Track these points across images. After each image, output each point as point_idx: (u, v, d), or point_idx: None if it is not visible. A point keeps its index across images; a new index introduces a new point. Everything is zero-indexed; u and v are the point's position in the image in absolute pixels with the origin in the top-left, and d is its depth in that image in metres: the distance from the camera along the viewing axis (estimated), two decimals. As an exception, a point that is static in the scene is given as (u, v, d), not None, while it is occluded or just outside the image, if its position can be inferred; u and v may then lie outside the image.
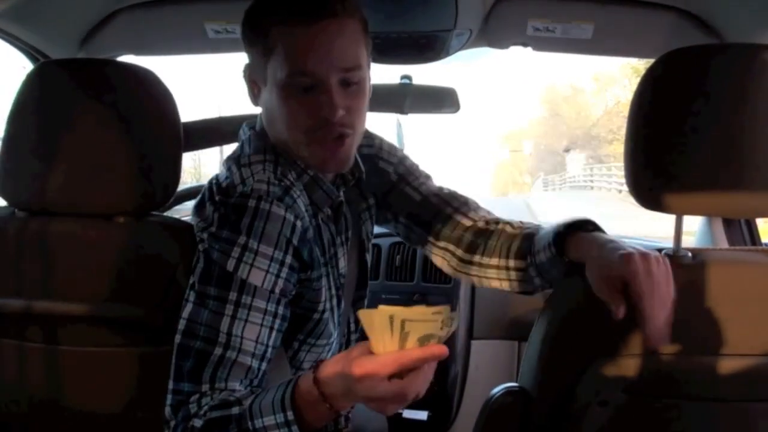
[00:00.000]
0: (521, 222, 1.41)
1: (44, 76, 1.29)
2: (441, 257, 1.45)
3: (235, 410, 1.02)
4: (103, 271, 1.25)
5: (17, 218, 1.30)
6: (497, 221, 1.43)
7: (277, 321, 1.15)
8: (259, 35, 1.19)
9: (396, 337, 0.87)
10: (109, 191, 1.25)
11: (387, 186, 1.48)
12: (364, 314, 0.88)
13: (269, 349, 1.14)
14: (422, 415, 2.15)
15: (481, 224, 1.42)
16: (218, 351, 1.09)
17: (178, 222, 1.32)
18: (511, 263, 1.34)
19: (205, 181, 1.31)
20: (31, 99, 1.28)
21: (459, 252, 1.41)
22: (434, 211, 1.44)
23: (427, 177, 1.51)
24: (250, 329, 1.11)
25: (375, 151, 1.47)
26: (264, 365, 1.13)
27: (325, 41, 1.15)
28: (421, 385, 0.91)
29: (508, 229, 1.39)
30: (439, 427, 2.18)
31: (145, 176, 1.26)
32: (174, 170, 1.30)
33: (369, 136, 1.48)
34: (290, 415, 0.98)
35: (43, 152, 1.26)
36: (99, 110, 1.25)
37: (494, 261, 1.36)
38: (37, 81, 1.28)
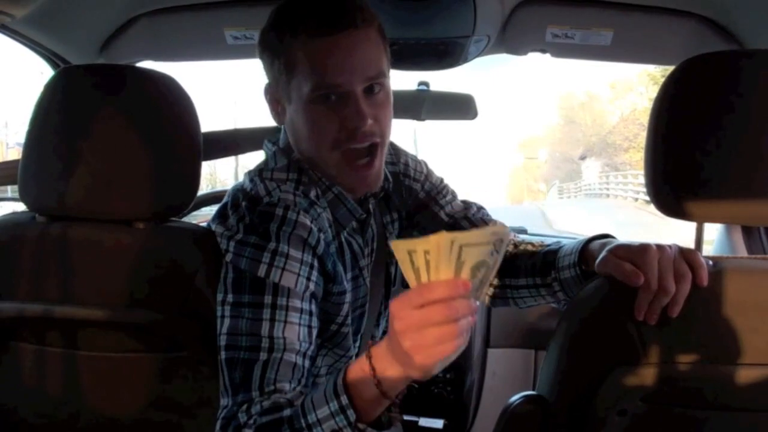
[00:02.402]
0: (541, 241, 1.43)
1: (65, 82, 1.30)
2: None
3: (287, 412, 1.01)
4: (123, 277, 1.26)
5: (37, 223, 1.30)
6: (520, 242, 1.45)
7: (314, 319, 1.15)
8: (279, 53, 1.19)
9: (452, 265, 0.82)
10: (129, 197, 1.25)
11: (415, 205, 1.48)
12: (420, 242, 0.81)
13: (311, 347, 1.14)
14: (438, 423, 2.14)
15: (510, 249, 1.43)
16: (264, 356, 1.08)
17: (197, 228, 1.32)
18: (538, 280, 1.36)
19: (220, 187, 1.32)
20: (52, 104, 1.28)
21: (495, 281, 1.43)
22: None
23: (453, 195, 1.52)
24: (290, 329, 1.10)
25: (401, 168, 1.48)
26: (308, 363, 1.12)
27: (347, 52, 1.15)
28: (464, 309, 0.82)
29: (530, 248, 1.41)
30: (455, 434, 2.17)
31: (165, 182, 1.27)
32: (193, 176, 1.30)
33: (393, 153, 1.48)
34: (344, 399, 0.94)
35: (63, 157, 1.26)
36: (119, 116, 1.25)
37: (522, 281, 1.38)
38: (58, 86, 1.29)
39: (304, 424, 0.97)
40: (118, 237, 1.27)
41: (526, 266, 1.39)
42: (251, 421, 1.03)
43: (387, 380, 0.91)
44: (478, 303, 0.86)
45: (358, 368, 0.95)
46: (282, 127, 1.31)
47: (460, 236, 0.81)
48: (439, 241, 0.81)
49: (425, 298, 0.81)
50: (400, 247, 0.82)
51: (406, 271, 0.84)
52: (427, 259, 0.82)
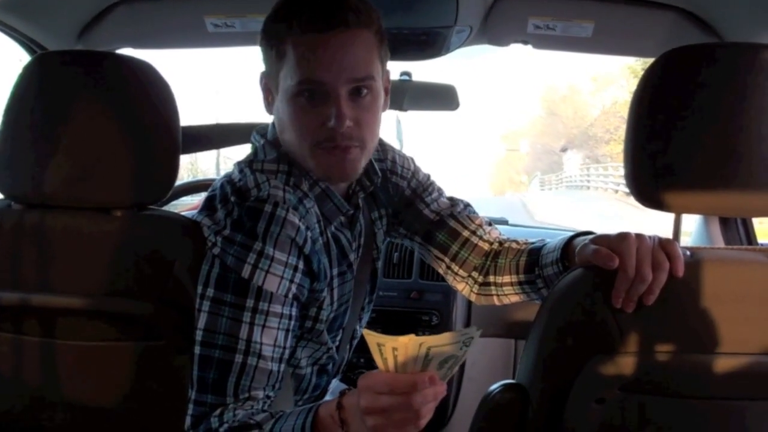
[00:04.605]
0: (525, 239, 1.46)
1: (42, 68, 1.28)
2: (464, 284, 1.48)
3: None
4: (101, 265, 1.25)
5: (14, 211, 1.29)
6: (505, 240, 1.47)
7: (292, 323, 1.16)
8: (273, 43, 1.19)
9: (419, 363, 0.87)
10: (107, 184, 1.24)
11: (401, 202, 1.49)
12: (389, 340, 0.86)
13: (286, 351, 1.15)
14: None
15: (495, 246, 1.45)
16: (239, 359, 1.10)
17: (176, 216, 1.31)
18: (522, 277, 1.39)
19: (201, 176, 1.31)
20: (28, 91, 1.27)
21: (480, 278, 1.45)
22: (451, 232, 1.46)
23: (440, 191, 1.52)
24: (268, 334, 1.12)
25: (388, 165, 1.47)
26: (282, 367, 1.15)
27: (335, 50, 1.14)
28: (428, 398, 0.90)
29: (514, 245, 1.43)
30: (435, 424, 2.18)
31: (143, 170, 1.26)
32: (172, 164, 1.29)
33: (381, 150, 1.47)
34: None
35: (40, 144, 1.25)
36: (97, 103, 1.24)
37: (507, 278, 1.41)
38: (35, 72, 1.27)
39: None
40: (96, 225, 1.26)
41: (510, 264, 1.40)
42: (222, 430, 1.06)
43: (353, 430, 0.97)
44: (445, 382, 0.92)
45: (328, 414, 0.99)
46: (272, 121, 1.30)
47: (429, 340, 0.85)
48: (407, 343, 0.85)
49: (390, 388, 0.88)
50: (370, 338, 0.86)
51: (374, 356, 0.88)
52: (395, 355, 0.86)
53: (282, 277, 1.13)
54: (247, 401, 1.10)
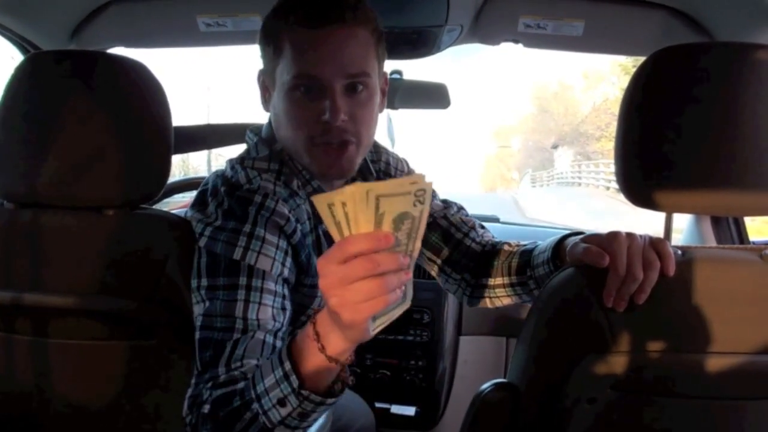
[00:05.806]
0: (517, 241, 1.45)
1: (34, 67, 1.28)
2: (456, 286, 1.48)
3: (240, 384, 0.99)
4: (93, 264, 1.25)
5: (6, 210, 1.29)
6: (497, 242, 1.47)
7: (287, 302, 1.15)
8: (270, 39, 1.21)
9: (372, 217, 0.78)
10: (99, 183, 1.24)
11: None
12: (336, 194, 0.78)
13: (283, 327, 1.13)
14: (410, 410, 2.15)
15: (487, 249, 1.45)
16: (236, 336, 1.07)
17: (168, 215, 1.31)
18: (514, 279, 1.39)
19: (192, 173, 1.31)
20: (20, 90, 1.26)
21: (472, 281, 1.45)
22: (444, 235, 1.46)
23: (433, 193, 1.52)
24: (264, 311, 1.10)
25: (381, 167, 1.48)
26: (279, 342, 1.10)
27: (331, 45, 1.16)
28: (389, 263, 0.78)
29: (506, 248, 1.43)
30: (427, 423, 2.19)
31: (135, 168, 1.26)
32: (164, 163, 1.29)
33: (375, 151, 1.48)
34: (287, 365, 0.91)
35: (32, 144, 1.25)
36: (89, 102, 1.24)
37: (499, 280, 1.41)
38: (27, 72, 1.27)
39: (253, 395, 0.95)
40: (88, 224, 1.26)
41: (502, 266, 1.41)
42: (208, 393, 1.02)
43: (330, 344, 0.87)
44: (410, 259, 0.83)
45: (304, 334, 0.91)
46: (269, 119, 1.31)
47: (376, 186, 0.78)
48: (354, 191, 0.78)
49: (345, 252, 0.78)
50: (320, 201, 0.79)
51: (329, 227, 0.80)
52: (346, 212, 0.78)
53: (274, 259, 1.13)
54: (239, 369, 1.05)
